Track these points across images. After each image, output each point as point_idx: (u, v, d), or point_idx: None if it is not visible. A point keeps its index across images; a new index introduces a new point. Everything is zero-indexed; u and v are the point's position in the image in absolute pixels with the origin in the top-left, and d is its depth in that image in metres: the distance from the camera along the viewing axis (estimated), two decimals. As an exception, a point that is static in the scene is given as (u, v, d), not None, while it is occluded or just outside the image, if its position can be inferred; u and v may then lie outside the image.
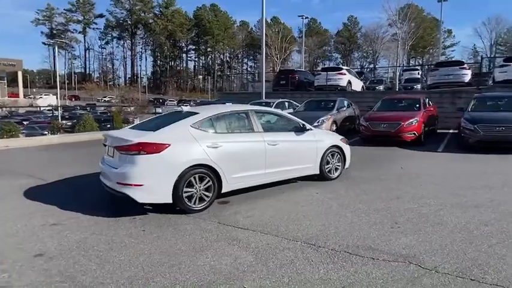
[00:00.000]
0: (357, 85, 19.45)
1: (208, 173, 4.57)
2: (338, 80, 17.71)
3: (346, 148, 6.44)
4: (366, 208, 4.65)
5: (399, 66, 28.37)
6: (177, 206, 4.41)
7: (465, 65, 15.80)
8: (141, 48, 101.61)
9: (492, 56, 70.93)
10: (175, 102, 69.49)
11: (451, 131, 13.14)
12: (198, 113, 4.88)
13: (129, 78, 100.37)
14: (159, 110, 48.55)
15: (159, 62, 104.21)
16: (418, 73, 32.04)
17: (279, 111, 5.90)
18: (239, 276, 2.93)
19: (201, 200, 4.55)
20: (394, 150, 9.57)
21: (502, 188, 5.55)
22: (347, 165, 6.49)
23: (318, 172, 5.96)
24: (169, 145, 4.30)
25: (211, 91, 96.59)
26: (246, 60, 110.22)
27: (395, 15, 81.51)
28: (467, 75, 15.15)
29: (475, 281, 2.76)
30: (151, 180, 4.20)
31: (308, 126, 5.83)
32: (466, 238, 3.60)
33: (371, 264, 3.09)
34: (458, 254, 3.24)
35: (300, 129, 5.75)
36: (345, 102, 13.30)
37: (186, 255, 3.33)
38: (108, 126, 18.05)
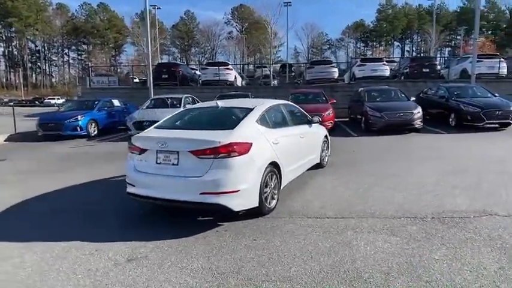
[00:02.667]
0: (239, 80, 20.67)
1: (275, 170, 4.47)
2: (227, 75, 18.38)
3: (328, 137, 7.24)
4: (391, 185, 5.53)
5: (273, 64, 31.34)
6: (260, 209, 4.15)
7: (333, 64, 19.40)
8: None
9: (307, 56, 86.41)
10: (-27, 102, 54.34)
11: (335, 119, 15.92)
12: (253, 108, 4.61)
13: None
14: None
15: None
16: (269, 70, 36.23)
17: (294, 104, 6.10)
18: (417, 252, 3.27)
19: (272, 198, 4.42)
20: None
21: (444, 158, 7.54)
22: (329, 153, 7.30)
23: (319, 161, 6.52)
24: (251, 144, 4.00)
25: (23, 87, 79.94)
26: (67, 50, 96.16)
27: (230, 14, 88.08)
28: (335, 72, 18.65)
29: (541, 216, 4.04)
30: (245, 184, 3.82)
31: (315, 118, 6.30)
32: (490, 193, 4.95)
33: (474, 221, 3.96)
34: (507, 202, 4.51)
35: (310, 122, 6.16)
36: (252, 96, 14.14)
37: (348, 250, 3.36)
38: None
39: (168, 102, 13.36)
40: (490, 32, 69.80)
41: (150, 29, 15.75)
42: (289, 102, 6.04)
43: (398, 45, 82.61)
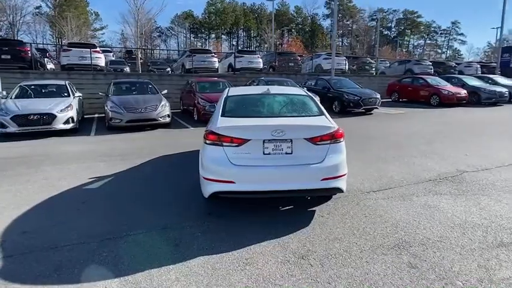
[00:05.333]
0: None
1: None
2: (97, 59, 15.83)
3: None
4: (377, 160, 6.68)
5: (141, 48, 27.88)
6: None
7: (213, 54, 19.44)
8: None
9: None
10: None
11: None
12: (311, 95, 4.70)
13: None
14: None
15: None
16: (113, 55, 33.12)
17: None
18: (475, 204, 4.39)
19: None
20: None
21: (373, 137, 9.29)
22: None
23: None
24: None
25: None
26: None
27: (37, -15, 73.86)
28: (216, 62, 18.85)
29: None
30: (347, 167, 4.03)
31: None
32: (450, 155, 6.70)
33: (474, 176, 5.42)
34: (476, 161, 6.26)
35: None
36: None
37: (438, 210, 4.14)
38: None
39: (46, 90, 10.81)
40: (297, 34, 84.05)
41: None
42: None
43: (227, 40, 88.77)
